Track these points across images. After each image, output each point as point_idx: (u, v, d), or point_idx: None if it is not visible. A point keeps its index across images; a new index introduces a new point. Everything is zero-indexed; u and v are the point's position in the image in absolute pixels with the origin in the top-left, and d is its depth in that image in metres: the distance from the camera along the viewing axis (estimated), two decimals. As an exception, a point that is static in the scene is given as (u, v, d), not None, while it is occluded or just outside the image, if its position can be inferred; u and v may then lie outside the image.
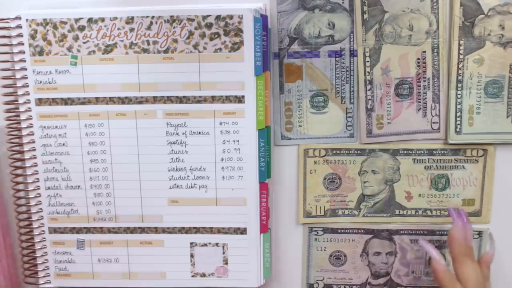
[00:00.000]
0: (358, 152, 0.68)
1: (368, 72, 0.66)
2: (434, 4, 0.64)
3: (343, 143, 0.68)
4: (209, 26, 0.62)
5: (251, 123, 0.64)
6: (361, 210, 0.70)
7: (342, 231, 0.70)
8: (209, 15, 0.62)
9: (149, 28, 0.62)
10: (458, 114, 0.66)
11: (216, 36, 0.62)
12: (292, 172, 0.69)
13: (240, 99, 0.63)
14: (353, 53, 0.65)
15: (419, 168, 0.68)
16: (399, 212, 0.70)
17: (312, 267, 0.72)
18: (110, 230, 0.68)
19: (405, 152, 0.68)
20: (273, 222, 0.70)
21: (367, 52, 0.65)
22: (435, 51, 0.65)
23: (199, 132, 0.65)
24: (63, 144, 0.66)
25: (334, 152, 0.68)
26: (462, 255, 0.62)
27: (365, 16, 0.64)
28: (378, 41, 0.65)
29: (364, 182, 0.69)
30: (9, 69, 0.65)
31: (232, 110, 0.64)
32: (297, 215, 0.70)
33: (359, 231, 0.70)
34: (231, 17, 0.61)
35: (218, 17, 0.62)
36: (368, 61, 0.65)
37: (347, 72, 0.66)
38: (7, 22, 0.63)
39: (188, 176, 0.66)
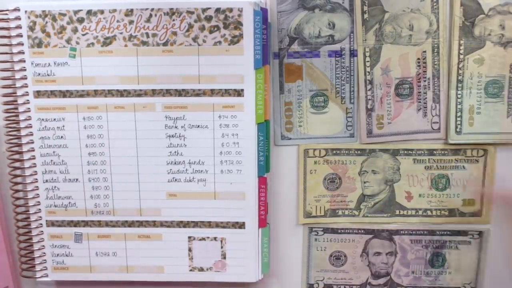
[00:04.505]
0: (358, 152, 0.65)
1: (368, 72, 0.62)
2: (434, 4, 0.60)
3: (343, 143, 0.64)
4: (209, 19, 0.59)
5: (250, 116, 0.61)
6: (361, 210, 0.66)
7: (342, 231, 0.67)
8: (209, 8, 0.58)
9: (148, 20, 0.59)
10: (459, 114, 0.63)
11: (215, 29, 0.59)
12: (292, 172, 0.66)
13: (239, 93, 0.60)
14: (353, 53, 0.62)
15: (419, 168, 0.65)
16: (399, 212, 0.66)
17: (312, 267, 0.68)
18: (108, 224, 0.64)
19: (405, 152, 0.65)
20: (273, 222, 0.67)
21: (367, 52, 0.62)
22: (435, 51, 0.62)
23: (198, 126, 0.61)
24: (61, 137, 0.62)
25: (334, 152, 0.65)
26: None
27: (365, 16, 0.61)
28: (378, 41, 0.62)
29: (364, 182, 0.66)
30: (7, 61, 0.61)
31: (231, 104, 0.61)
32: (297, 215, 0.67)
33: (359, 231, 0.67)
34: (230, 10, 0.58)
35: (217, 10, 0.58)
36: (368, 61, 0.62)
37: (347, 72, 0.63)
38: (6, 14, 0.60)
39: (186, 170, 0.62)
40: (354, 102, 0.63)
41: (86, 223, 0.64)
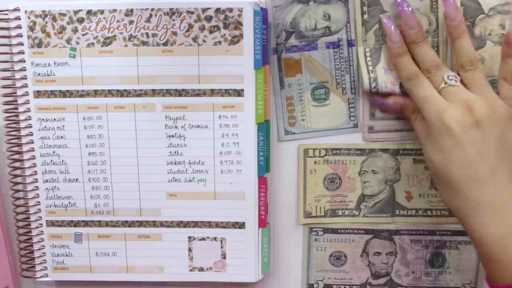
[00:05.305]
0: (358, 152, 0.64)
1: (371, 70, 0.61)
2: (434, 3, 0.59)
3: (348, 134, 0.64)
4: (209, 19, 0.58)
5: (250, 117, 0.60)
6: (361, 210, 0.66)
7: (342, 231, 0.67)
8: (209, 8, 0.58)
9: (148, 20, 0.59)
10: (459, 113, 0.62)
11: (215, 29, 0.59)
12: (292, 172, 0.65)
13: (239, 93, 0.60)
14: (350, 43, 0.61)
15: (419, 168, 0.65)
16: (399, 212, 0.66)
17: (312, 267, 0.68)
18: (108, 224, 0.64)
19: (405, 152, 0.64)
20: (273, 222, 0.66)
21: (367, 52, 0.61)
22: (435, 50, 0.60)
23: (198, 126, 0.61)
24: (62, 137, 0.62)
25: (334, 152, 0.64)
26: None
27: (365, 16, 0.60)
28: (378, 41, 0.61)
29: (364, 182, 0.65)
30: (7, 61, 0.61)
31: (231, 104, 0.60)
32: (297, 215, 0.66)
33: (359, 231, 0.67)
34: (230, 10, 0.58)
35: (217, 10, 0.58)
36: (369, 61, 0.61)
37: (346, 62, 0.62)
38: (6, 14, 0.60)
39: (186, 170, 0.62)
40: (355, 92, 0.63)
41: (86, 223, 0.64)
